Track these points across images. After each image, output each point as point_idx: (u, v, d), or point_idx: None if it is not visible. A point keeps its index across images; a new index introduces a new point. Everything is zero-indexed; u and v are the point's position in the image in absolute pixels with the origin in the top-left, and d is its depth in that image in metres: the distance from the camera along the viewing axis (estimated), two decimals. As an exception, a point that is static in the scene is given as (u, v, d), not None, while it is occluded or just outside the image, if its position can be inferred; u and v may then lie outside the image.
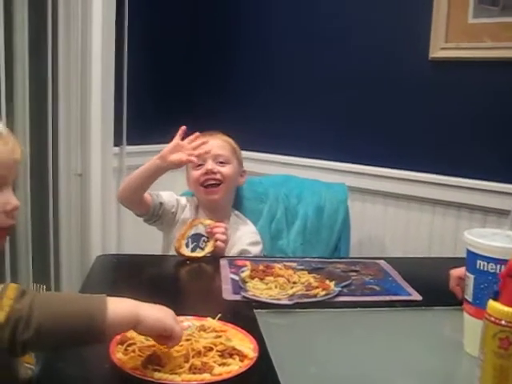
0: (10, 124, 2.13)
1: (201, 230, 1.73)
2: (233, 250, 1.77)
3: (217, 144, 1.82)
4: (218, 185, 1.79)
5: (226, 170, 1.81)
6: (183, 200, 1.85)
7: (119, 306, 0.88)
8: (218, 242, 1.66)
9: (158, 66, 2.71)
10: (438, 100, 2.19)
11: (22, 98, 2.21)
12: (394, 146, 2.25)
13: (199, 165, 1.80)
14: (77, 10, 2.33)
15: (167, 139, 2.76)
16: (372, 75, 2.31)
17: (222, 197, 1.82)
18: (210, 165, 1.79)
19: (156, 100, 2.66)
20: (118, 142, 2.55)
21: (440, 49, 2.14)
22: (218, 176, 1.79)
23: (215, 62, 2.77)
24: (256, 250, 1.80)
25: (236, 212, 1.91)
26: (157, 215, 1.78)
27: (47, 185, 2.34)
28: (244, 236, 1.82)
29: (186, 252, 1.65)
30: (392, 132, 2.27)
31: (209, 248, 1.67)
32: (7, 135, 1.05)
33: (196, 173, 1.80)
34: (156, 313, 0.92)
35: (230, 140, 1.88)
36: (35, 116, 2.26)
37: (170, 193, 1.84)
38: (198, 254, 1.66)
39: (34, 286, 2.30)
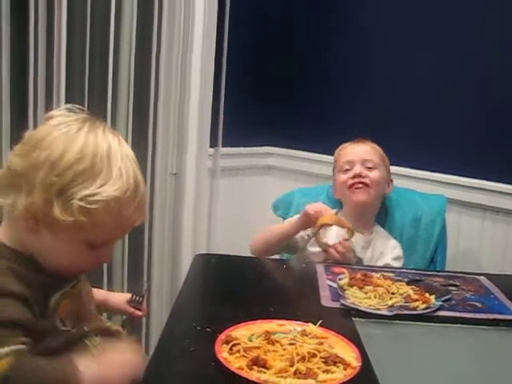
0: (113, 124, 2.21)
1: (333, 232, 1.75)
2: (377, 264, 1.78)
3: (365, 149, 1.85)
4: (366, 186, 1.79)
5: (374, 174, 1.80)
6: None
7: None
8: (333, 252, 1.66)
9: (257, 68, 2.73)
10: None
11: (126, 98, 2.28)
12: (495, 159, 2.17)
13: (346, 169, 1.82)
14: (180, 12, 2.39)
15: (262, 142, 2.84)
16: (470, 87, 2.23)
17: (369, 200, 1.81)
18: (358, 169, 1.80)
19: (253, 103, 2.68)
20: (213, 144, 2.59)
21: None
22: (366, 180, 1.79)
23: (316, 73, 2.76)
24: (398, 265, 1.80)
25: (379, 227, 1.91)
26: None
27: (145, 183, 2.41)
28: (387, 250, 1.82)
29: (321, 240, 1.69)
30: (494, 144, 2.18)
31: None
32: (141, 197, 1.01)
33: (343, 176, 1.82)
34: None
35: (379, 148, 1.88)
36: (137, 116, 2.33)
37: None
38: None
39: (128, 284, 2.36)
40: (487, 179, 2.19)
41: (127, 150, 1.01)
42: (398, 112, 2.44)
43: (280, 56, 2.78)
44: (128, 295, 1.34)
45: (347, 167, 1.82)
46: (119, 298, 1.34)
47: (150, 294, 2.37)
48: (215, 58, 2.50)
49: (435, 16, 2.32)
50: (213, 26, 2.47)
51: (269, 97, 2.74)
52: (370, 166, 1.81)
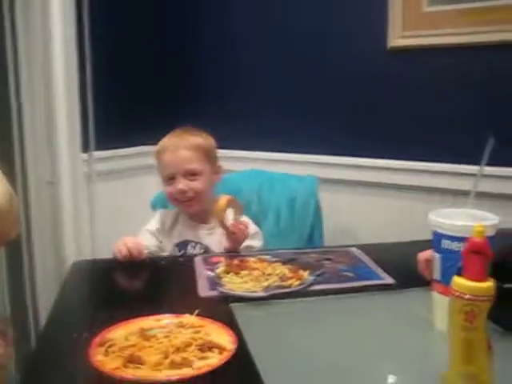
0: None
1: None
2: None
3: (185, 157, 1.75)
4: (192, 199, 1.76)
5: (198, 184, 1.75)
6: (156, 222, 1.84)
7: None
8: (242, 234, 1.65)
9: (126, 68, 2.69)
10: (399, 88, 2.23)
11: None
12: (357, 135, 2.29)
13: (170, 179, 1.76)
14: (36, 10, 2.30)
15: (136, 143, 2.81)
16: (333, 67, 2.35)
17: (199, 208, 1.79)
18: (180, 184, 1.74)
19: (123, 105, 2.64)
20: (86, 148, 2.53)
21: (398, 37, 2.18)
22: (190, 194, 1.75)
23: (181, 61, 2.78)
24: (259, 243, 1.77)
25: None
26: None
27: (16, 194, 2.32)
28: None
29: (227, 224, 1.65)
30: (355, 121, 2.31)
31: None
32: (16, 210, 1.02)
33: (169, 189, 1.77)
34: None
35: (200, 141, 1.79)
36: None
37: (149, 236, 1.81)
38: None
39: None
40: (352, 156, 2.31)
41: None
42: (271, 98, 2.51)
43: (149, 53, 2.76)
44: None
45: (170, 177, 1.77)
46: None
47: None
48: (79, 59, 2.43)
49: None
50: (72, 24, 2.38)
51: (140, 95, 2.72)
52: (192, 173, 1.75)
